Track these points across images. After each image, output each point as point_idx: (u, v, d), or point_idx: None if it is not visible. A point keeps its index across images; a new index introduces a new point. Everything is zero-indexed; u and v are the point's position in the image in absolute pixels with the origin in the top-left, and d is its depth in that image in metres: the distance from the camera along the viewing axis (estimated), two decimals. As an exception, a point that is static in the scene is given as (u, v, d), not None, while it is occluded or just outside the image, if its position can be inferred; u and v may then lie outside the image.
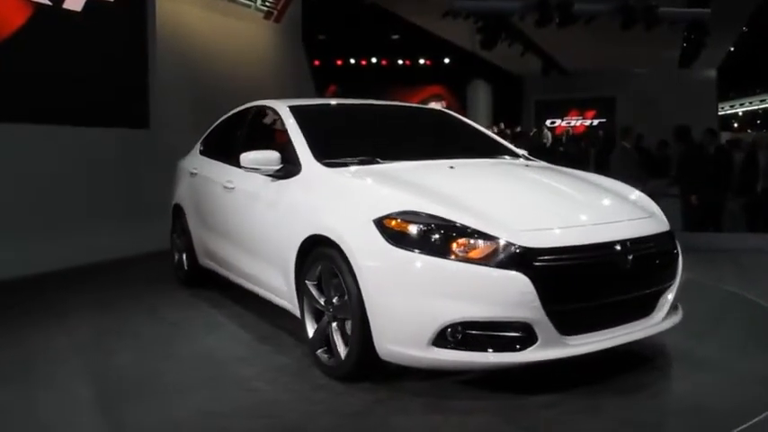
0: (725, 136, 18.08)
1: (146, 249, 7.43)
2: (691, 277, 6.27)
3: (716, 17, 13.94)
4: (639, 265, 3.43)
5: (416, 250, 3.20)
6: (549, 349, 3.18)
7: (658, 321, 3.61)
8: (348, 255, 3.41)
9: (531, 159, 4.81)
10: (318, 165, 4.04)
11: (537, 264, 3.14)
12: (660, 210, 4.01)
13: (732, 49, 20.86)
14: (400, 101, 6.38)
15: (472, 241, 3.17)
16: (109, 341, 4.49)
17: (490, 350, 3.16)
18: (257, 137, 5.02)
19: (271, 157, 4.17)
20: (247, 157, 4.19)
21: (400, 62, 23.53)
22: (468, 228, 3.20)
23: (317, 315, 3.77)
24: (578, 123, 25.65)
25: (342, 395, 3.44)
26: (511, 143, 5.28)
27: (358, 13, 16.17)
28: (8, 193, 6.47)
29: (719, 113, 27.83)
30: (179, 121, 8.75)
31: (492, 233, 3.18)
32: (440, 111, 5.88)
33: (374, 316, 3.30)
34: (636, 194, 4.16)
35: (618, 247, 3.36)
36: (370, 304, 3.31)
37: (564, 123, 25.69)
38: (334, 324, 3.61)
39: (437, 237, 3.20)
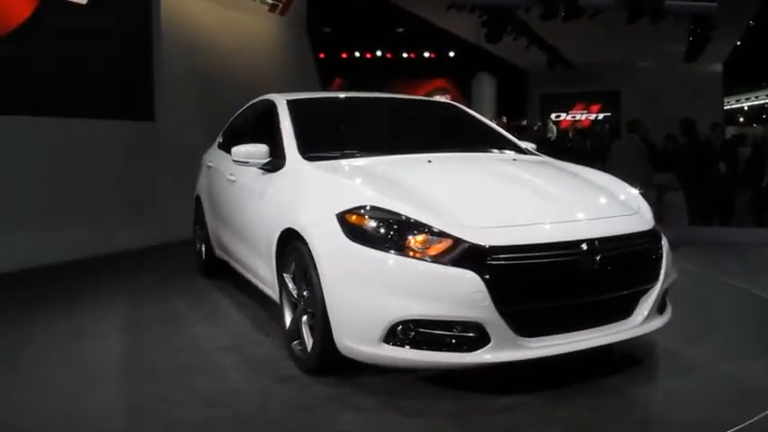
0: (730, 130, 18.05)
1: (150, 242, 7.49)
2: (695, 271, 6.35)
3: (722, 11, 13.86)
4: (611, 266, 3.28)
5: (372, 245, 3.17)
6: (503, 351, 3.09)
7: (637, 324, 3.46)
8: (311, 248, 3.42)
9: (533, 153, 4.75)
10: (300, 158, 4.07)
11: (490, 262, 3.05)
12: (648, 207, 3.86)
13: (738, 43, 20.75)
14: (404, 94, 6.36)
15: (426, 238, 3.12)
16: (107, 326, 4.64)
17: (442, 350, 3.09)
18: (261, 130, 5.04)
19: (259, 150, 4.23)
20: (238, 151, 4.26)
21: (405, 55, 23.49)
22: (423, 224, 3.15)
23: (293, 308, 3.81)
24: (583, 117, 25.60)
25: (304, 388, 3.46)
26: (515, 137, 5.26)
27: (363, 6, 16.15)
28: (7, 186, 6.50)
29: (725, 108, 27.72)
30: (184, 113, 8.76)
31: (445, 230, 3.13)
32: (445, 103, 5.86)
33: (332, 310, 3.29)
34: (624, 191, 4.00)
35: (584, 247, 3.21)
36: (329, 298, 3.30)
37: (569, 117, 25.65)
38: (305, 317, 3.62)
39: (392, 233, 3.16)
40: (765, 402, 3.21)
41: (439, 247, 3.10)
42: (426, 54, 23.63)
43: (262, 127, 5.05)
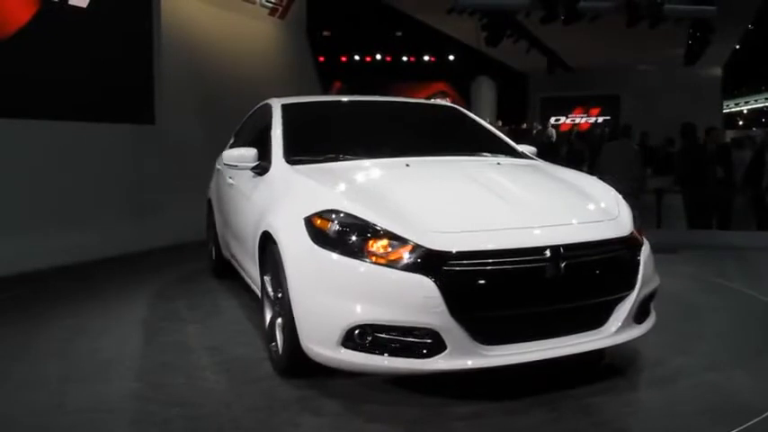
0: (730, 134, 18.06)
1: (155, 244, 7.52)
2: (692, 274, 6.37)
3: (721, 14, 13.89)
4: (579, 273, 3.20)
5: (333, 249, 3.18)
6: (460, 358, 3.03)
7: (609, 334, 3.34)
8: (280, 250, 3.45)
9: (528, 157, 4.69)
10: (283, 162, 4.13)
11: (446, 268, 3.01)
12: (629, 213, 3.69)
13: (737, 46, 20.79)
14: (404, 97, 6.37)
15: (385, 243, 3.11)
16: (105, 324, 4.77)
17: (399, 355, 3.06)
18: (261, 134, 5.08)
19: (247, 154, 4.30)
20: (229, 154, 4.38)
21: (405, 59, 23.55)
22: (382, 229, 3.14)
23: (272, 309, 3.84)
24: (583, 121, 25.62)
25: (272, 389, 3.48)
26: (514, 140, 5.24)
27: (362, 10, 16.18)
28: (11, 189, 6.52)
29: (724, 111, 27.76)
30: (184, 116, 8.80)
31: (403, 235, 3.10)
32: (440, 105, 5.87)
33: (297, 312, 3.30)
34: (606, 196, 3.84)
35: (547, 253, 3.13)
36: (295, 300, 3.31)
37: (569, 121, 25.67)
38: (279, 319, 3.63)
39: (352, 237, 3.16)
40: (740, 418, 3.09)
41: (397, 251, 3.08)
42: (426, 57, 23.70)
43: (262, 130, 5.09)
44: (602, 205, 3.71)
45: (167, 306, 5.26)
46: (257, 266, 4.06)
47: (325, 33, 18.90)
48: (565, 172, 4.30)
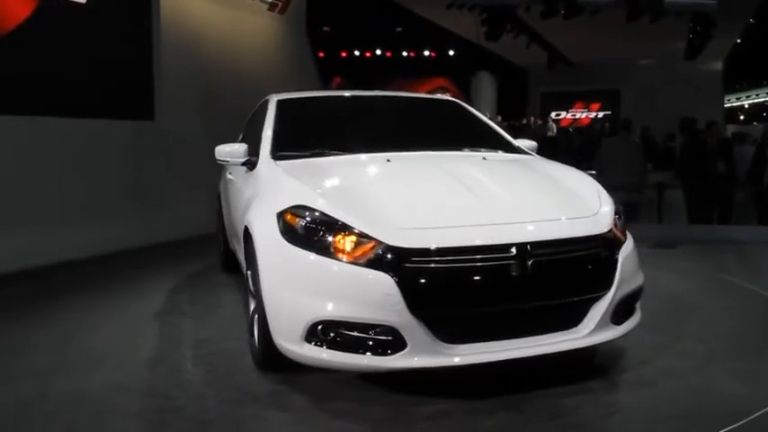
0: (731, 128, 18.02)
1: (150, 241, 7.50)
2: (693, 268, 6.35)
3: (722, 8, 13.85)
4: (548, 271, 3.14)
5: (300, 244, 3.19)
6: (421, 357, 3.01)
7: (582, 335, 3.25)
8: (255, 245, 3.48)
9: (523, 152, 4.60)
10: (268, 157, 4.15)
11: (407, 265, 2.99)
12: (610, 210, 3.56)
13: (739, 41, 20.75)
14: (404, 93, 6.34)
15: (348, 239, 3.10)
16: (103, 316, 4.87)
17: (361, 352, 3.05)
18: (260, 129, 5.10)
19: (237, 150, 4.33)
20: (220, 150, 4.39)
21: (405, 54, 23.50)
22: (347, 225, 3.13)
23: (253, 302, 3.86)
24: (584, 116, 25.61)
25: (246, 383, 3.52)
26: (514, 135, 5.19)
27: (362, 5, 16.14)
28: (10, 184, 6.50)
29: (725, 106, 27.72)
30: (184, 112, 8.77)
31: (366, 232, 3.09)
32: (442, 100, 5.76)
33: (268, 306, 3.31)
34: (587, 192, 3.73)
35: (513, 251, 3.07)
36: (265, 294, 3.33)
37: (569, 116, 25.66)
38: (257, 314, 3.65)
39: (319, 233, 3.17)
40: (719, 423, 2.98)
41: (360, 248, 3.08)
42: (426, 53, 23.65)
43: (260, 126, 5.10)
44: (581, 201, 3.60)
45: (169, 300, 5.31)
46: (243, 261, 4.12)
47: (325, 29, 18.85)
48: (553, 167, 4.22)
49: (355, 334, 3.05)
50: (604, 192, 3.77)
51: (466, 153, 4.42)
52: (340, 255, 3.09)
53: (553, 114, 24.83)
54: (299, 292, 3.15)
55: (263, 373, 3.58)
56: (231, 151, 4.34)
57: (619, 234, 3.50)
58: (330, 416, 3.16)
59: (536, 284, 3.13)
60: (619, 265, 3.37)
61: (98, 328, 4.57)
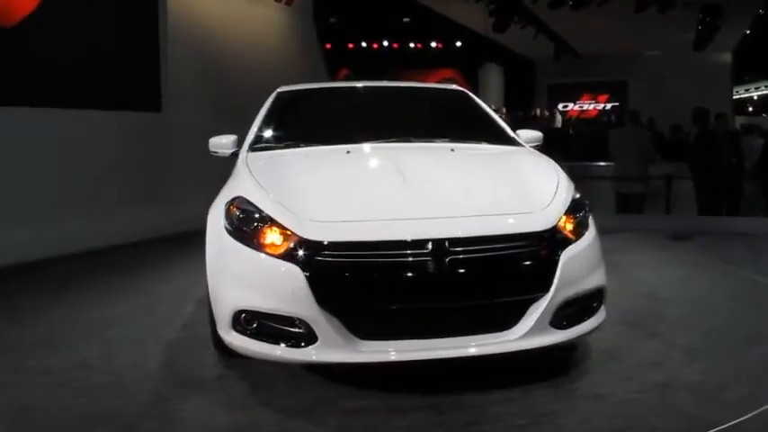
0: (740, 120, 17.93)
1: (157, 233, 7.53)
2: (702, 260, 6.34)
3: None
4: (472, 269, 3.02)
5: (232, 235, 3.26)
6: (333, 351, 3.00)
7: (514, 339, 3.08)
8: (206, 234, 3.54)
9: (517, 144, 4.39)
10: (245, 149, 4.20)
11: (318, 258, 2.99)
12: (561, 207, 3.33)
13: (748, 32, 20.60)
14: (406, 82, 6.29)
15: (270, 232, 3.15)
16: (106, 300, 5.06)
17: (278, 343, 3.10)
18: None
19: (226, 141, 4.36)
20: (212, 142, 4.42)
21: (412, 45, 23.40)
22: (271, 218, 3.18)
23: None
24: (591, 107, 25.51)
25: (196, 366, 3.65)
26: (520, 126, 5.08)
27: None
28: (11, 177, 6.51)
29: (734, 98, 27.55)
30: (191, 104, 8.78)
31: (284, 224, 3.13)
32: (444, 89, 5.52)
33: (210, 294, 3.39)
34: (545, 187, 3.50)
35: (429, 247, 2.98)
36: (208, 283, 3.40)
37: (576, 107, 25.56)
38: None
39: (249, 225, 3.24)
40: None
41: (279, 241, 3.12)
42: (433, 44, 23.53)
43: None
44: (530, 196, 3.39)
45: (172, 286, 5.41)
46: None
47: (332, 20, 18.80)
48: (524, 159, 4.07)
49: (272, 325, 3.10)
50: (567, 187, 3.55)
51: (436, 145, 4.26)
52: (263, 247, 3.14)
53: (560, 106, 24.72)
54: (228, 282, 3.23)
55: (221, 358, 3.62)
56: (221, 143, 4.38)
57: (566, 232, 3.27)
58: (249, 403, 3.22)
59: (456, 283, 3.03)
60: (560, 265, 3.14)
61: (95, 311, 4.74)
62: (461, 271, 3.01)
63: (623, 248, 6.71)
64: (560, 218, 3.28)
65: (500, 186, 3.56)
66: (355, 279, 3.01)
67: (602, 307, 3.44)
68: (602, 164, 10.57)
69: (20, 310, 4.83)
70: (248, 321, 3.15)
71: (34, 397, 3.30)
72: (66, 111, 7.06)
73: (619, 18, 14.94)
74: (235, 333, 3.20)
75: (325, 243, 3.01)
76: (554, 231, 3.21)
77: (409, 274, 3.00)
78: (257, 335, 3.14)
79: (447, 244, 3.00)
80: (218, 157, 4.39)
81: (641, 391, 3.24)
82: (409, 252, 3.00)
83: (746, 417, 2.95)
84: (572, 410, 3.12)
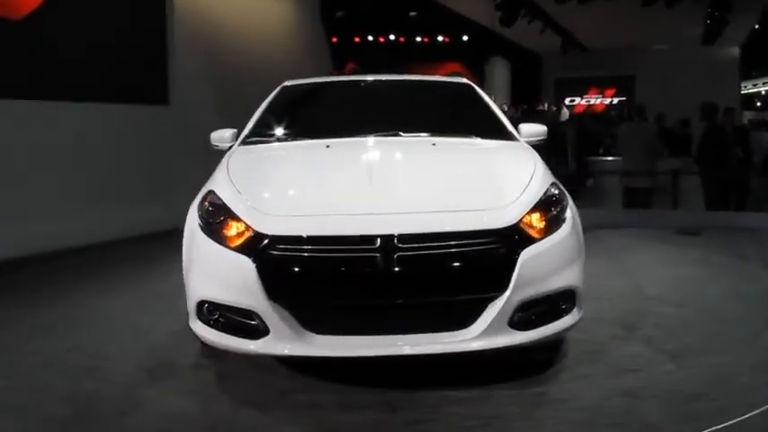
0: (747, 115, 17.84)
1: (164, 227, 7.51)
2: (709, 255, 6.32)
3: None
4: (423, 267, 2.99)
5: (201, 228, 3.34)
6: (284, 344, 3.04)
7: (470, 338, 3.03)
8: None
9: (512, 139, 4.30)
10: (238, 143, 4.30)
11: (268, 251, 3.04)
12: (527, 204, 3.24)
13: (756, 26, 20.48)
14: (414, 75, 6.25)
15: (229, 224, 3.22)
16: (120, 289, 5.25)
17: (236, 334, 3.17)
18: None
19: (225, 135, 4.40)
20: (213, 136, 4.46)
21: (418, 39, 23.35)
22: (231, 211, 3.25)
23: None
24: (598, 102, 25.42)
25: (175, 354, 3.78)
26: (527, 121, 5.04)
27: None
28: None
29: (742, 92, 27.41)
30: (198, 97, 8.79)
31: (242, 217, 3.20)
32: (449, 83, 5.52)
33: (185, 284, 3.46)
34: (515, 182, 3.42)
35: (378, 243, 2.95)
36: (183, 273, 3.46)
37: (583, 102, 25.48)
38: None
39: (215, 218, 3.31)
40: None
41: (237, 234, 3.18)
42: (440, 38, 23.46)
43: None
44: (496, 192, 3.32)
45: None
46: None
47: (339, 14, 18.76)
48: (506, 155, 4.03)
49: (231, 316, 3.18)
50: (542, 182, 3.46)
51: (419, 139, 4.22)
52: (225, 240, 3.19)
53: (567, 100, 24.65)
54: (195, 273, 3.32)
55: (204, 349, 3.63)
56: (221, 137, 4.42)
57: (529, 230, 3.18)
58: (213, 392, 3.31)
59: (406, 280, 3.00)
60: (519, 264, 3.05)
61: (98, 300, 4.82)
62: (411, 268, 2.99)
63: (629, 245, 6.69)
64: (523, 215, 3.20)
65: (469, 182, 3.52)
66: (304, 273, 3.04)
67: (576, 309, 3.32)
68: (608, 159, 10.55)
69: (36, 293, 5.15)
70: (210, 312, 3.24)
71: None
72: (79, 104, 7.07)
73: (626, 12, 14.86)
74: (199, 323, 3.30)
75: (276, 237, 3.06)
76: (514, 229, 3.13)
77: (357, 270, 3.01)
78: (217, 325, 3.23)
79: (396, 240, 2.98)
80: (219, 150, 4.40)
81: (608, 398, 3.13)
82: (357, 248, 3.00)
83: (752, 413, 2.91)
84: (527, 415, 3.03)
